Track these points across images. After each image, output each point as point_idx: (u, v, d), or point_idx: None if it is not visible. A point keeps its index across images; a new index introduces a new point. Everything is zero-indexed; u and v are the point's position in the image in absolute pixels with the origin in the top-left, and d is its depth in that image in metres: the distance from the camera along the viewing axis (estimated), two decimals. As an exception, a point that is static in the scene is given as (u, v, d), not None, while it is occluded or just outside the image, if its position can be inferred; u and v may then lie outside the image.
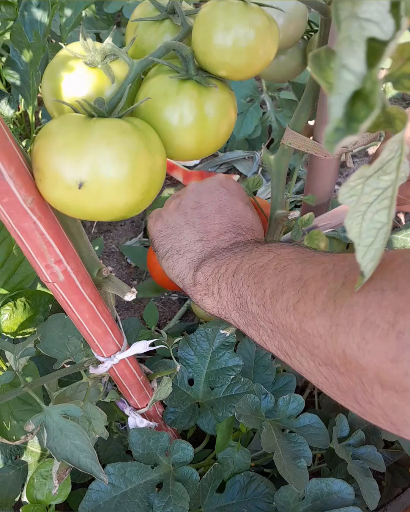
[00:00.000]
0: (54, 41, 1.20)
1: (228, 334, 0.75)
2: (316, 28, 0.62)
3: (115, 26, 0.53)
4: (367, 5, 0.21)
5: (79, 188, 0.34)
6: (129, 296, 0.46)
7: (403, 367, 0.30)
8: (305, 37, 0.62)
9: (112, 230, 1.23)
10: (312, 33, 0.62)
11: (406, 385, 0.30)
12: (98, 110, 0.37)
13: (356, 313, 0.33)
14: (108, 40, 0.41)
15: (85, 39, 0.41)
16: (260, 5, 0.39)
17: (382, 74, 0.25)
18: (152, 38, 0.43)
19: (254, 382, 0.77)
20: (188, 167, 1.33)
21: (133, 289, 0.45)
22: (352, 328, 0.33)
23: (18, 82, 0.92)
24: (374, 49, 0.21)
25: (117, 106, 0.38)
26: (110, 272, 0.52)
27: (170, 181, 1.32)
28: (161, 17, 0.43)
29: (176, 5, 0.42)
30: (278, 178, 0.66)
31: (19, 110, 1.09)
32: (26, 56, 0.91)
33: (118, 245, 1.21)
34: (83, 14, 1.26)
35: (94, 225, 1.23)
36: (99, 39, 1.28)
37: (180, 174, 1.29)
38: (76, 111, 0.38)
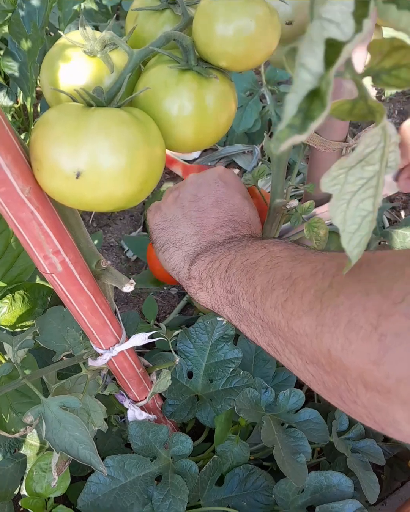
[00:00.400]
0: (53, 34, 1.20)
1: (224, 323, 0.75)
2: None
3: (114, 18, 0.52)
4: (331, 5, 0.21)
5: (77, 178, 0.34)
6: (128, 288, 0.45)
7: (385, 370, 0.30)
8: None
9: (112, 224, 1.23)
10: None
11: (388, 387, 0.31)
12: (97, 99, 0.37)
13: (341, 314, 0.34)
14: (108, 29, 0.41)
15: (84, 28, 0.41)
16: (261, -6, 0.38)
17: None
18: (153, 28, 0.42)
19: (254, 375, 0.77)
20: (188, 161, 1.32)
21: (132, 280, 0.45)
22: (337, 329, 0.33)
23: (16, 74, 0.91)
24: (335, 47, 0.21)
25: (116, 96, 0.38)
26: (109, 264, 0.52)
27: (169, 175, 1.31)
28: (162, 7, 0.42)
29: (176, -5, 0.41)
30: (278, 167, 0.66)
31: (17, 102, 1.08)
32: (25, 47, 0.90)
33: (117, 239, 1.21)
34: (83, 6, 1.25)
35: (93, 219, 1.22)
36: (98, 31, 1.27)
37: (180, 168, 1.29)
38: (74, 100, 0.38)
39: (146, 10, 0.42)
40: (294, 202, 0.62)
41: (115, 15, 1.10)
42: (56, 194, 0.37)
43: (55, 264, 0.43)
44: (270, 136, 1.28)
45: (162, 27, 0.42)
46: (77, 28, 0.44)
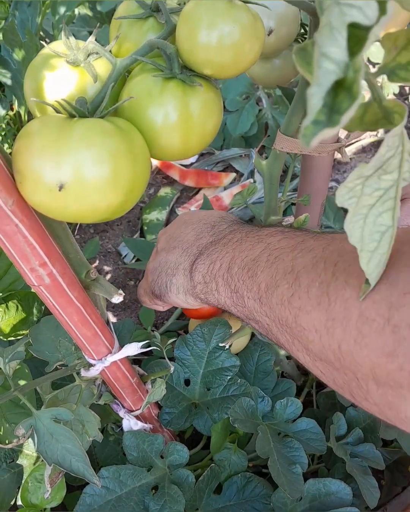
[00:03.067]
0: (48, 40, 1.19)
1: (227, 347, 0.74)
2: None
3: (98, 24, 0.52)
4: None
5: (60, 190, 0.34)
6: (117, 299, 0.45)
7: (399, 362, 0.30)
8: (300, 40, 0.61)
9: (109, 230, 1.22)
10: (306, 36, 0.61)
11: (400, 381, 0.30)
12: (79, 110, 0.36)
13: (351, 307, 0.33)
14: (91, 39, 0.41)
15: (68, 38, 0.40)
16: (245, 2, 0.38)
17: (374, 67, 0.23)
18: (136, 36, 0.42)
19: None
20: (185, 166, 1.32)
21: (120, 291, 0.45)
22: (349, 323, 0.33)
23: (9, 82, 0.91)
24: (357, 37, 0.20)
25: (100, 106, 0.38)
26: (99, 274, 0.52)
27: (166, 180, 1.31)
28: (145, 15, 0.42)
29: (160, 3, 0.41)
30: (270, 183, 0.65)
31: (12, 110, 1.08)
32: (18, 55, 0.90)
33: (115, 244, 1.20)
34: (77, 12, 1.25)
35: (90, 225, 1.22)
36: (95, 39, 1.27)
37: (177, 173, 1.29)
38: (58, 112, 0.38)
39: (130, 18, 0.42)
40: (290, 219, 0.62)
41: (110, 21, 1.10)
42: (39, 207, 0.36)
43: (42, 276, 0.42)
44: (264, 143, 1.28)
45: (146, 35, 0.41)
46: (72, 34, 0.43)
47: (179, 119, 0.38)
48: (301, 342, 0.38)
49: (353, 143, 1.32)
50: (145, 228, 1.21)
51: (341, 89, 0.21)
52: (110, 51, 0.40)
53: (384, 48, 0.25)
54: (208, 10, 0.37)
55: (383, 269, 0.31)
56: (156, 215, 1.23)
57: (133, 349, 0.55)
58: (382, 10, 0.20)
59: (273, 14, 0.52)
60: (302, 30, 0.59)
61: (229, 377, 0.74)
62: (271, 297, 0.42)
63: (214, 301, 0.54)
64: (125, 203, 0.37)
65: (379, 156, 0.25)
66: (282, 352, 0.80)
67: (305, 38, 0.61)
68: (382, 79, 1.20)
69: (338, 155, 0.65)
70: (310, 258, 0.39)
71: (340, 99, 0.21)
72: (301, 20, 0.58)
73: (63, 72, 0.40)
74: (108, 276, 1.14)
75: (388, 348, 0.30)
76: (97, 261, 1.16)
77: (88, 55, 0.40)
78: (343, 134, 0.63)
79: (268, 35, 0.54)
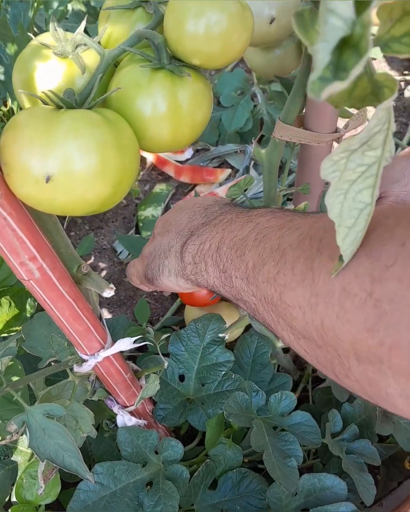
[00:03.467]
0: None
1: (227, 337, 0.74)
2: None
3: (89, 19, 0.51)
4: None
5: (47, 182, 0.33)
6: (108, 293, 0.45)
7: (379, 336, 0.29)
8: None
9: (104, 227, 1.22)
10: None
11: (380, 356, 0.29)
12: (66, 101, 0.36)
13: (334, 282, 0.32)
14: (80, 30, 0.40)
15: (55, 29, 0.40)
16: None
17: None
18: (125, 27, 0.42)
19: (250, 380, 0.76)
20: (180, 162, 1.32)
21: (111, 285, 0.44)
22: (332, 298, 0.32)
23: (2, 77, 0.91)
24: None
25: (88, 97, 0.37)
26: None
27: (162, 176, 1.30)
28: (134, 5, 0.41)
29: (148, -7, 0.40)
30: (270, 172, 0.65)
31: (6, 105, 1.08)
32: (11, 50, 0.90)
33: (110, 241, 1.20)
34: (71, 8, 1.24)
35: (85, 221, 1.22)
36: (86, 32, 1.26)
37: (172, 169, 1.28)
38: (46, 103, 0.37)
39: (118, 9, 0.41)
40: (289, 208, 0.62)
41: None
42: (28, 199, 0.36)
43: (32, 271, 0.42)
44: (258, 141, 1.27)
45: (134, 26, 0.41)
46: (65, 29, 0.43)
47: (168, 109, 0.38)
48: (285, 320, 0.38)
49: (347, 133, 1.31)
50: (141, 224, 1.20)
51: (346, 47, 0.20)
52: (99, 42, 0.40)
53: (379, 19, 0.25)
54: (196, -1, 0.36)
55: (358, 247, 0.31)
56: (151, 212, 1.22)
57: (126, 344, 0.54)
58: None
59: (274, 3, 0.52)
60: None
61: (223, 373, 0.74)
62: (257, 276, 0.42)
63: (203, 282, 0.53)
64: (114, 195, 0.37)
65: (368, 129, 0.25)
66: (279, 345, 0.80)
67: None
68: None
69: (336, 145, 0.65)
70: (296, 236, 0.39)
71: (346, 57, 0.20)
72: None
73: (51, 63, 0.39)
74: (104, 273, 1.14)
75: (369, 323, 0.30)
76: (93, 258, 1.16)
77: (77, 47, 0.40)
78: (341, 124, 0.62)
79: (270, 23, 0.53)
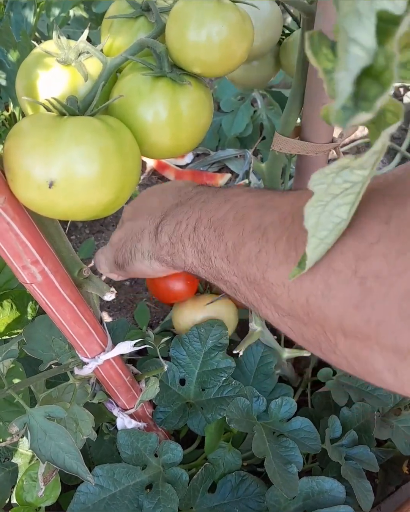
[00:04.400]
0: (43, 41, 1.19)
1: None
2: (289, 32, 0.62)
3: (93, 25, 0.52)
4: None
5: (50, 187, 0.34)
6: (109, 296, 0.45)
7: (366, 313, 0.30)
8: (280, 42, 0.62)
9: (105, 231, 1.22)
10: (284, 37, 0.61)
11: (368, 333, 0.30)
12: (69, 108, 0.36)
13: (318, 260, 0.32)
14: (82, 38, 0.41)
15: (59, 37, 0.41)
16: (234, 1, 0.38)
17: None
18: (127, 36, 0.42)
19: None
20: (180, 167, 1.32)
21: (112, 289, 0.45)
22: (317, 275, 0.32)
23: (4, 82, 0.91)
24: (382, 29, 0.20)
25: (91, 104, 0.38)
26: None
27: (162, 181, 1.31)
28: (136, 14, 0.42)
29: (150, 2, 0.41)
30: (271, 185, 0.65)
31: (8, 110, 1.08)
32: (13, 56, 0.91)
33: (110, 245, 1.20)
34: (72, 13, 1.25)
35: (86, 225, 1.22)
36: (88, 39, 1.27)
37: (172, 174, 1.29)
38: (49, 110, 0.38)
39: (121, 18, 0.42)
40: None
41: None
42: (30, 204, 0.37)
43: (34, 274, 0.43)
44: (259, 143, 1.28)
45: (136, 35, 0.42)
46: (67, 35, 0.44)
47: (169, 117, 0.39)
48: (269, 299, 0.38)
49: (347, 144, 1.32)
50: (141, 228, 1.21)
51: (366, 76, 0.20)
52: (101, 50, 0.41)
53: None
54: (197, 9, 0.37)
55: (321, 257, 0.31)
56: (152, 216, 1.23)
57: (126, 347, 0.55)
58: None
59: (259, 18, 0.53)
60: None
61: (223, 378, 0.74)
62: (238, 256, 0.41)
63: (180, 263, 0.52)
64: (116, 200, 0.37)
65: (371, 152, 0.25)
66: (285, 356, 0.80)
67: (283, 39, 0.61)
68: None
69: (333, 154, 0.66)
70: (277, 215, 0.38)
71: (365, 86, 0.20)
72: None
73: (54, 71, 0.40)
74: (104, 277, 1.14)
75: (355, 300, 0.30)
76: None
77: (79, 54, 0.41)
78: (336, 133, 0.63)
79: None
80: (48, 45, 0.41)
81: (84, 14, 1.27)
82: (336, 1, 0.20)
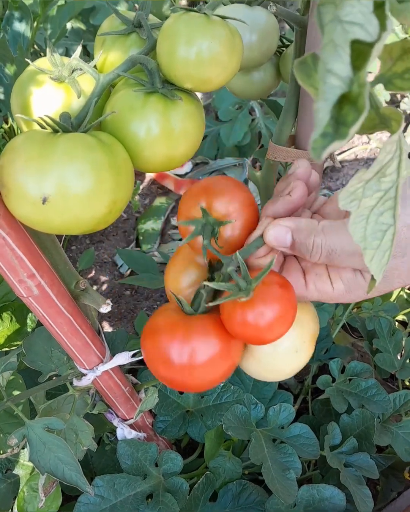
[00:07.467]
0: (42, 54, 1.21)
1: None
2: (288, 43, 0.62)
3: (82, 41, 0.53)
4: (350, 7, 0.20)
5: (43, 203, 0.34)
6: (105, 308, 0.46)
7: None
8: (278, 52, 0.62)
9: (105, 241, 1.23)
10: (284, 48, 0.62)
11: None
12: (62, 125, 0.37)
13: None
14: (75, 55, 0.41)
15: (52, 54, 0.41)
16: (223, 18, 0.39)
17: (370, 76, 0.24)
18: (119, 52, 0.43)
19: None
20: (180, 176, 1.33)
21: (108, 301, 0.46)
22: None
23: (2, 96, 0.92)
24: (360, 51, 0.21)
25: (84, 121, 0.39)
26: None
27: (161, 190, 1.32)
28: (128, 31, 0.43)
29: (142, 19, 0.42)
30: (266, 193, 0.66)
31: (7, 123, 1.09)
32: (10, 70, 0.91)
33: (110, 255, 1.21)
34: (70, 26, 1.26)
35: (86, 235, 1.23)
36: (85, 50, 1.28)
37: (172, 183, 1.30)
38: (43, 127, 0.38)
39: (113, 34, 0.43)
40: None
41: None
42: (25, 220, 0.37)
43: (31, 288, 0.43)
44: (257, 151, 1.29)
45: (129, 51, 0.42)
46: (65, 48, 0.44)
47: (161, 132, 0.39)
48: None
49: (345, 151, 1.33)
50: (141, 238, 1.22)
51: (346, 101, 0.21)
52: (95, 66, 0.41)
53: (380, 59, 0.26)
54: (187, 26, 0.38)
55: (386, 264, 0.31)
56: (151, 225, 1.24)
57: (124, 358, 0.55)
58: (382, 26, 0.21)
59: (255, 29, 0.53)
60: (279, 42, 0.61)
61: (222, 384, 0.75)
62: None
63: None
64: (108, 215, 0.38)
65: (378, 162, 0.26)
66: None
67: (283, 50, 0.62)
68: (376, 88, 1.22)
69: (329, 162, 0.66)
70: None
71: (345, 111, 0.21)
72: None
73: (47, 88, 0.41)
74: (104, 286, 1.15)
75: None
76: (93, 272, 1.17)
77: (73, 71, 0.41)
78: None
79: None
80: (42, 62, 0.42)
81: (82, 26, 1.28)
82: (321, 28, 0.21)
